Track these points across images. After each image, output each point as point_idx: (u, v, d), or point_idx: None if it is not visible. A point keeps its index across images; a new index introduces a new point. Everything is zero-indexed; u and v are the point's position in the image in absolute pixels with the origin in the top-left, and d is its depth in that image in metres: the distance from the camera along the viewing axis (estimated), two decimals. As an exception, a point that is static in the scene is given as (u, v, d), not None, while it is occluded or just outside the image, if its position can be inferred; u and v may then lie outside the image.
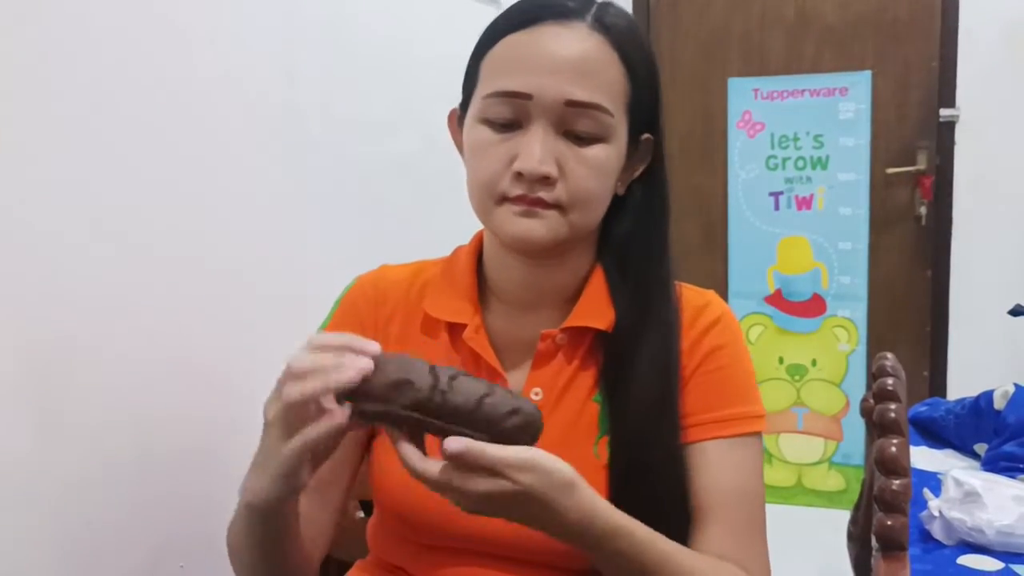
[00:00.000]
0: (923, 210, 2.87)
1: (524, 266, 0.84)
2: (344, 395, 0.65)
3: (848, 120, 2.59)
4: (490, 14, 0.84)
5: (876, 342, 2.64)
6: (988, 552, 1.06)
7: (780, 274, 2.70)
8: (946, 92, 2.82)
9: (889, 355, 1.09)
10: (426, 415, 0.65)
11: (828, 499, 2.72)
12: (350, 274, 0.95)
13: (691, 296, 0.88)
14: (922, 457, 1.41)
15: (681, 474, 0.82)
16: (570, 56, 0.77)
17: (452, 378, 0.67)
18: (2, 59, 1.09)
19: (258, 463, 0.71)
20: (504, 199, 0.78)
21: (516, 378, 0.86)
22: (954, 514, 1.08)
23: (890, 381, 0.99)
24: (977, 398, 1.43)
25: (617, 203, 0.85)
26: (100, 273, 1.23)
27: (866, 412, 1.19)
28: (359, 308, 0.90)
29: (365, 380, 0.65)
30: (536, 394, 0.84)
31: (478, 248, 0.90)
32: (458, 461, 0.64)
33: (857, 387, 2.64)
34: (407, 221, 2.01)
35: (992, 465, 1.31)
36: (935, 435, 1.51)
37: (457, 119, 0.87)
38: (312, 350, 0.67)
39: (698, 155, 3.04)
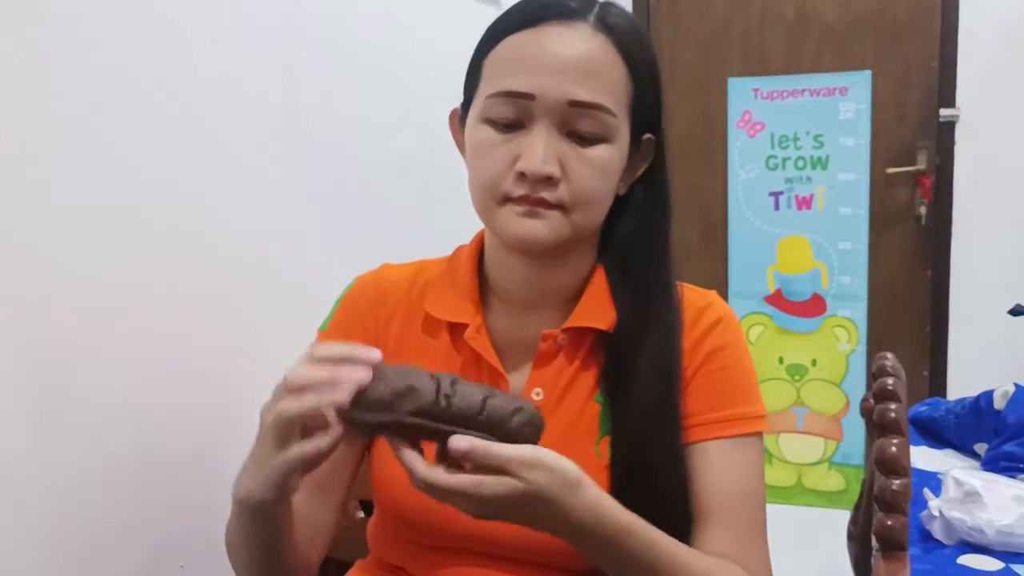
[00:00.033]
0: (923, 210, 2.87)
1: (525, 266, 0.84)
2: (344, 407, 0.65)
3: (848, 120, 2.59)
4: (490, 14, 0.84)
5: (876, 342, 2.64)
6: (988, 552, 1.05)
7: (780, 274, 2.70)
8: (946, 92, 2.82)
9: (889, 355, 1.09)
10: (432, 420, 0.65)
11: (828, 499, 2.72)
12: (350, 274, 0.95)
13: (693, 297, 0.88)
14: (922, 457, 1.41)
15: (682, 474, 0.82)
16: (573, 56, 0.77)
17: (453, 383, 0.66)
18: (2, 59, 1.09)
19: (250, 465, 0.70)
20: (507, 199, 0.78)
21: (517, 378, 0.86)
22: (954, 514, 1.08)
23: (890, 381, 0.99)
24: (977, 398, 1.43)
25: (618, 203, 0.85)
26: (100, 273, 1.23)
27: (866, 412, 1.19)
28: (360, 308, 0.90)
29: (367, 390, 0.64)
30: (537, 394, 0.84)
31: (479, 248, 0.90)
32: (464, 460, 0.64)
33: (857, 387, 2.63)
34: (407, 221, 2.01)
35: (992, 465, 1.31)
36: (935, 435, 1.51)
37: (459, 119, 0.87)
38: (311, 362, 0.66)
39: (698, 155, 3.04)
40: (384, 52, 1.95)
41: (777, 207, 2.69)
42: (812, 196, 2.65)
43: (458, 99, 0.87)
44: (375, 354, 0.66)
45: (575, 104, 0.76)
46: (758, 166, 2.69)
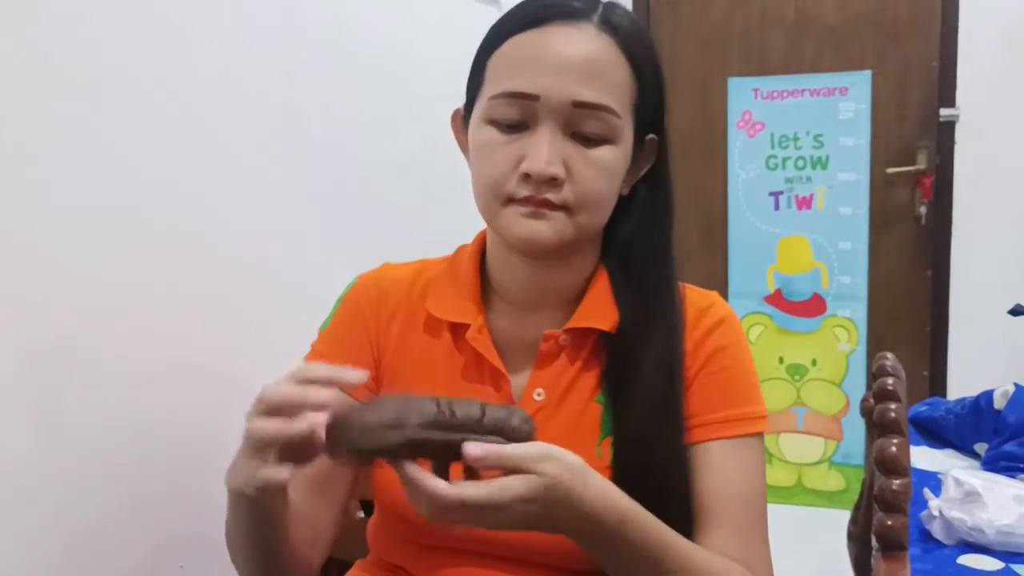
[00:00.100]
0: (923, 210, 2.87)
1: (527, 266, 0.84)
2: (345, 432, 0.64)
3: (848, 120, 2.59)
4: (490, 14, 0.84)
5: (876, 342, 2.64)
6: (988, 552, 1.05)
7: (780, 274, 2.70)
8: (946, 92, 2.82)
9: (889, 355, 1.09)
10: (442, 430, 0.65)
11: (828, 499, 2.72)
12: (350, 274, 0.95)
13: (694, 297, 0.88)
14: (922, 457, 1.41)
15: (684, 475, 0.82)
16: (578, 57, 0.77)
17: (448, 399, 0.66)
18: (2, 59, 1.09)
19: (238, 460, 0.70)
20: (511, 200, 0.78)
21: (519, 379, 0.86)
22: (954, 514, 1.08)
23: (890, 381, 0.99)
24: (977, 398, 1.43)
25: (621, 204, 0.84)
26: (100, 273, 1.23)
27: (866, 412, 1.19)
28: (361, 307, 0.90)
29: (366, 415, 0.64)
30: (539, 395, 0.84)
31: (481, 248, 0.90)
32: (478, 464, 0.64)
33: (857, 387, 2.63)
34: (407, 221, 2.01)
35: (992, 465, 1.31)
36: (935, 435, 1.51)
37: (461, 119, 0.87)
38: (291, 380, 0.66)
39: (698, 155, 3.04)
40: (384, 52, 1.95)
41: (777, 207, 2.69)
42: (812, 196, 2.65)
43: (459, 99, 0.87)
44: (357, 375, 0.66)
45: (580, 105, 0.76)
46: (758, 166, 2.69)
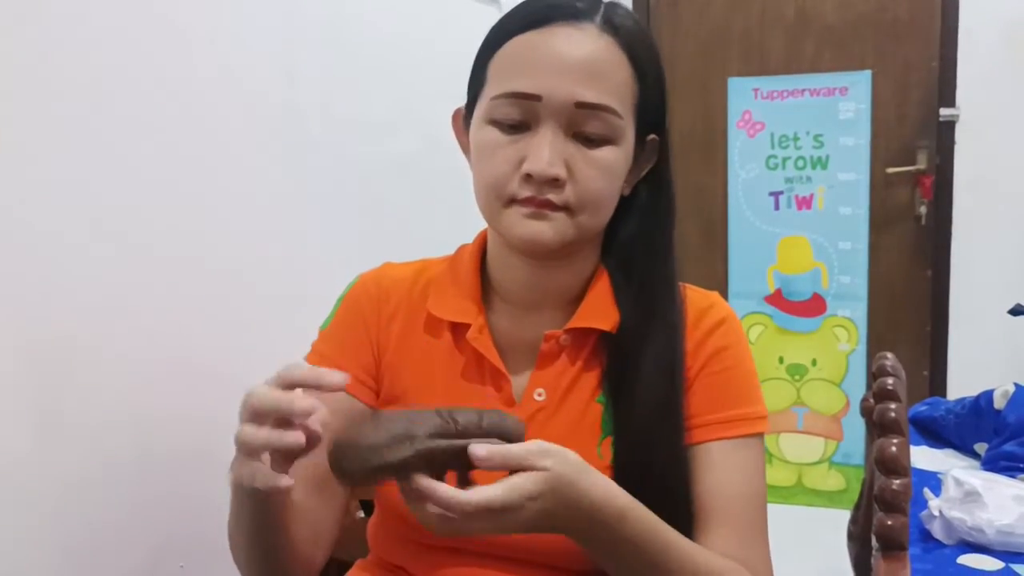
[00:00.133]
0: (923, 210, 2.87)
1: (528, 267, 0.84)
2: (352, 453, 0.64)
3: (848, 120, 2.59)
4: (490, 14, 0.84)
5: (876, 342, 2.64)
6: (988, 552, 1.05)
7: (780, 274, 2.70)
8: (946, 92, 2.82)
9: (889, 355, 1.09)
10: (447, 438, 0.65)
11: (828, 499, 2.72)
12: (350, 274, 0.95)
13: (695, 297, 0.88)
14: (922, 457, 1.41)
15: (685, 475, 0.82)
16: (580, 57, 0.77)
17: (446, 408, 0.67)
18: (2, 59, 1.09)
19: (235, 459, 0.69)
20: (512, 201, 0.78)
21: (519, 379, 0.86)
22: (954, 513, 1.08)
23: (890, 381, 0.99)
24: (977, 398, 1.43)
25: (622, 204, 0.84)
26: (100, 273, 1.23)
27: (866, 412, 1.19)
28: (362, 306, 0.90)
29: (371, 435, 0.64)
30: (539, 395, 0.84)
31: (482, 247, 0.90)
32: (483, 464, 0.65)
33: (857, 387, 2.63)
34: (407, 221, 2.01)
35: (992, 464, 1.31)
36: (935, 435, 1.51)
37: (462, 119, 0.87)
38: (276, 384, 0.66)
39: (698, 155, 3.04)
40: (384, 52, 1.95)
41: (777, 207, 2.69)
42: (812, 196, 2.65)
43: (459, 99, 0.87)
44: (338, 378, 0.66)
45: (582, 105, 0.76)
46: (758, 166, 2.69)
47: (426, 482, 0.63)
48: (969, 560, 1.04)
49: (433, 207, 2.04)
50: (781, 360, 2.72)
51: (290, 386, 0.66)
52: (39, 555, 1.14)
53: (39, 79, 1.14)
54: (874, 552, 0.92)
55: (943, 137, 2.84)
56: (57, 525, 1.17)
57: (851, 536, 1.30)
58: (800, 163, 2.65)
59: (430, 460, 0.64)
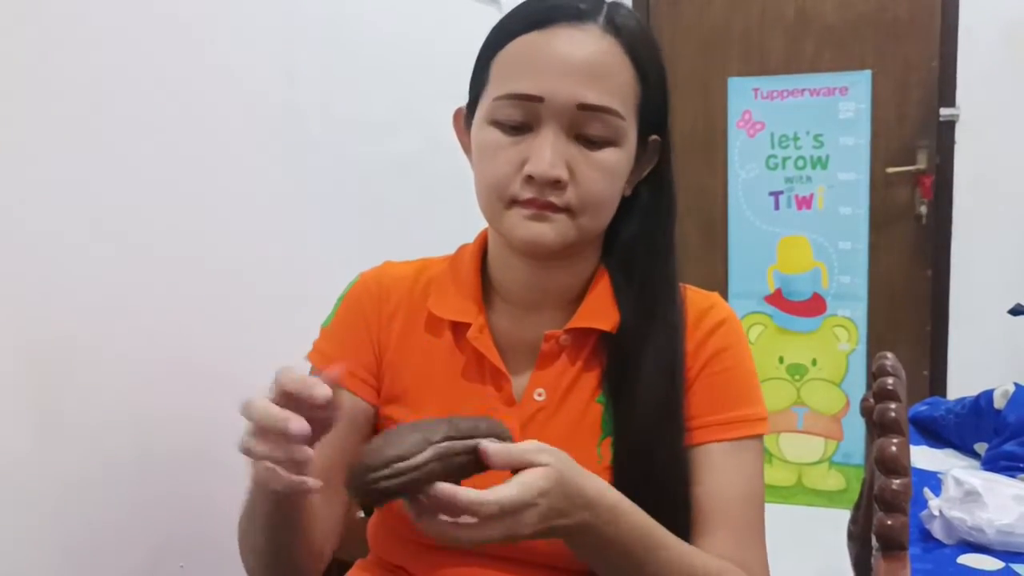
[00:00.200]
0: (923, 209, 2.87)
1: (528, 267, 0.84)
2: (370, 473, 0.64)
3: (848, 119, 2.59)
4: (490, 14, 0.84)
5: (876, 342, 2.64)
6: (988, 551, 1.05)
7: (780, 273, 2.70)
8: (946, 92, 2.82)
9: (889, 355, 1.09)
10: (456, 442, 0.67)
11: (828, 499, 2.72)
12: (350, 274, 0.95)
13: (695, 298, 0.88)
14: (922, 456, 1.41)
15: (684, 476, 0.82)
16: (583, 59, 0.76)
17: (448, 418, 0.69)
18: (2, 59, 1.09)
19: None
20: (514, 202, 0.78)
21: (519, 379, 0.86)
22: (954, 513, 1.08)
23: (890, 380, 0.99)
24: (977, 397, 1.43)
25: (623, 204, 0.84)
26: (100, 273, 1.23)
27: (866, 411, 1.19)
28: (363, 304, 0.90)
29: (386, 450, 0.65)
30: (539, 395, 0.84)
31: (482, 247, 0.90)
32: (490, 461, 0.66)
33: (857, 387, 2.63)
34: (407, 221, 2.01)
35: (992, 464, 1.31)
36: (935, 434, 1.51)
37: (463, 119, 0.87)
38: (274, 394, 0.66)
39: (698, 155, 3.04)
40: (385, 52, 1.95)
41: (777, 207, 2.69)
42: (812, 196, 2.65)
43: (459, 99, 0.87)
44: (325, 391, 0.65)
45: (584, 107, 0.76)
46: (758, 166, 2.69)
47: (448, 488, 0.63)
48: (969, 560, 1.04)
49: (433, 207, 2.04)
50: (781, 360, 2.72)
51: (284, 395, 0.65)
52: (39, 555, 1.14)
53: (39, 79, 1.14)
54: (874, 552, 0.92)
55: (943, 137, 2.84)
56: (57, 525, 1.17)
57: (851, 536, 1.30)
58: (800, 163, 2.65)
59: (447, 463, 0.65)
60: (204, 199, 1.42)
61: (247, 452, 0.65)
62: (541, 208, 0.77)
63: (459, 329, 0.86)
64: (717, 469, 0.82)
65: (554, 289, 0.86)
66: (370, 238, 1.86)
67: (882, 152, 2.84)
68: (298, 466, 0.65)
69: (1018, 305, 1.69)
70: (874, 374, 1.04)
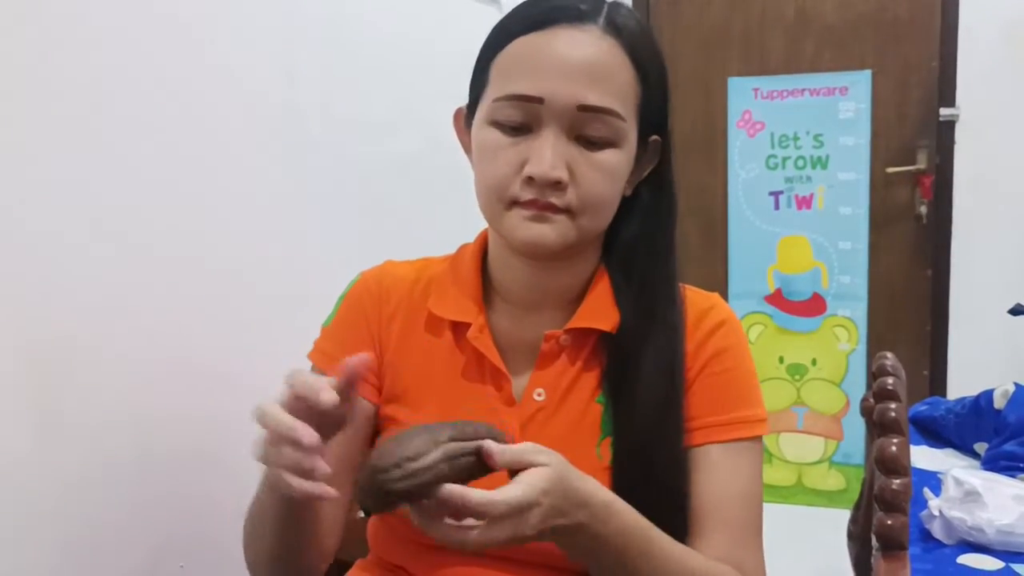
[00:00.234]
0: (923, 209, 2.86)
1: (529, 267, 0.84)
2: (382, 476, 0.65)
3: (848, 119, 2.59)
4: (490, 14, 0.84)
5: (876, 341, 2.64)
6: (988, 551, 1.05)
7: (780, 273, 2.70)
8: (946, 91, 2.82)
9: (889, 354, 1.09)
10: (461, 443, 0.67)
11: (828, 498, 2.72)
12: (350, 274, 0.95)
13: (695, 298, 0.88)
14: (922, 456, 1.41)
15: (684, 476, 0.82)
16: (583, 60, 0.76)
17: (451, 422, 0.69)
18: (2, 59, 1.09)
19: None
20: (514, 203, 0.78)
21: (519, 379, 0.86)
22: (954, 513, 1.08)
23: (890, 380, 0.99)
24: (977, 397, 1.43)
25: (623, 204, 0.84)
26: (100, 273, 1.23)
27: (866, 411, 1.19)
28: (364, 304, 0.90)
29: (395, 452, 0.65)
30: (539, 395, 0.84)
31: (483, 247, 0.90)
32: (492, 460, 0.66)
33: (857, 386, 2.63)
34: (407, 221, 2.01)
35: (992, 464, 1.31)
36: (935, 434, 1.51)
37: (464, 119, 0.87)
38: (287, 399, 0.66)
39: (698, 155, 3.04)
40: (385, 52, 1.95)
41: (777, 207, 2.69)
42: (812, 195, 2.65)
43: (459, 99, 0.87)
44: (331, 396, 0.65)
45: (584, 108, 0.76)
46: (758, 166, 2.69)
47: (458, 489, 0.64)
48: (969, 560, 1.04)
49: (433, 207, 2.04)
50: (781, 360, 2.72)
51: (295, 399, 0.66)
52: (39, 555, 1.14)
53: (39, 79, 1.14)
54: (874, 552, 0.92)
55: (943, 137, 2.84)
56: (57, 525, 1.17)
57: (851, 536, 1.30)
58: (800, 163, 2.65)
59: (454, 463, 0.66)
60: (204, 199, 1.42)
61: (263, 460, 0.66)
62: (541, 209, 0.77)
63: (459, 329, 0.86)
64: (716, 470, 0.82)
65: (554, 289, 0.86)
66: (370, 238, 1.86)
67: (882, 152, 2.83)
68: (312, 473, 0.65)
69: (1018, 305, 1.69)
70: (874, 374, 1.04)
